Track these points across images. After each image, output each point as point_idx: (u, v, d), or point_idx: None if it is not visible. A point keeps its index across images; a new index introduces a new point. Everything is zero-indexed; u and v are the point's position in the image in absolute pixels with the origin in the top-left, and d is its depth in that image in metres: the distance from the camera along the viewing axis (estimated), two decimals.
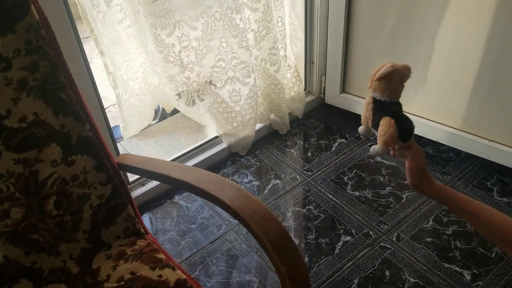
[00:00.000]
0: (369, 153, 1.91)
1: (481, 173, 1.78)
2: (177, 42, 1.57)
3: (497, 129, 1.70)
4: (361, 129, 0.92)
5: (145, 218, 1.70)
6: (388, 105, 0.86)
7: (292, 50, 2.05)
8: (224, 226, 1.65)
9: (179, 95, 1.75)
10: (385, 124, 0.83)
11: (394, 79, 0.86)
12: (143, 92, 1.85)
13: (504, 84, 1.60)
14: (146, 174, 1.05)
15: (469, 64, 1.63)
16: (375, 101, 0.87)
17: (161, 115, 2.22)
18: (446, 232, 1.58)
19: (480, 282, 1.42)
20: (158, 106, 2.16)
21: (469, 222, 0.85)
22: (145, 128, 2.06)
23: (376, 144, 0.88)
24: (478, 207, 0.82)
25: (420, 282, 1.42)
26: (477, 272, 1.45)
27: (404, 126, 0.84)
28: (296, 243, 1.58)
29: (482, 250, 1.51)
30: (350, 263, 1.50)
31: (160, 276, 0.96)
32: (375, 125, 0.86)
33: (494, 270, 1.45)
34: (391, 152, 0.89)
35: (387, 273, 1.46)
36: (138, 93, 1.83)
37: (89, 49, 2.68)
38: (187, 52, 1.62)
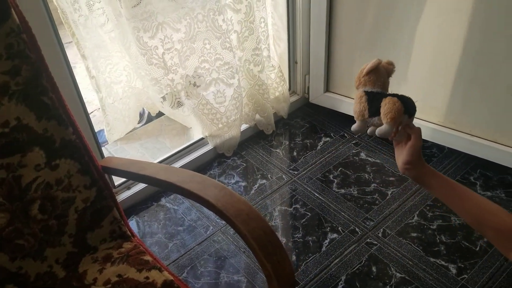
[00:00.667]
0: (354, 151, 1.93)
1: (464, 168, 1.81)
2: (160, 45, 1.57)
3: (478, 124, 1.73)
4: (355, 125, 0.90)
5: (132, 222, 1.69)
6: (382, 94, 0.86)
7: (276, 50, 2.06)
8: (211, 227, 1.65)
9: (163, 97, 1.75)
10: (389, 102, 0.83)
11: (382, 73, 0.88)
12: (127, 96, 1.85)
13: (483, 79, 1.63)
14: (131, 176, 1.05)
15: (449, 61, 1.66)
16: (367, 93, 0.87)
17: (147, 118, 2.22)
18: (431, 226, 1.60)
19: (465, 275, 1.44)
20: (143, 109, 2.15)
21: (456, 208, 0.83)
22: (130, 131, 2.05)
23: (371, 128, 0.88)
24: (467, 192, 0.82)
25: (407, 277, 1.44)
26: (462, 265, 1.47)
27: (406, 101, 0.84)
28: (284, 242, 1.59)
29: (467, 244, 1.53)
30: (337, 260, 1.51)
31: (147, 278, 0.96)
32: (374, 113, 0.86)
33: (479, 263, 1.47)
34: (392, 135, 0.86)
35: (374, 269, 1.48)
36: (122, 96, 1.83)
37: (73, 53, 2.66)
38: (171, 54, 1.62)
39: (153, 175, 0.95)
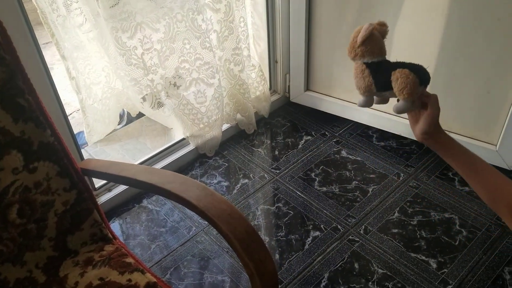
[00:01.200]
0: (335, 149, 1.95)
1: (443, 164, 1.84)
2: (139, 45, 1.56)
3: (456, 121, 1.76)
4: (362, 101, 0.84)
5: (114, 224, 1.68)
6: (385, 63, 0.81)
7: (256, 49, 2.06)
8: (194, 228, 1.64)
9: (143, 98, 1.74)
10: (401, 76, 0.76)
11: (377, 38, 0.82)
12: (107, 97, 1.83)
13: (461, 76, 1.66)
14: (111, 178, 1.04)
15: (428, 59, 1.68)
16: (368, 65, 0.81)
17: (127, 119, 2.20)
18: (412, 222, 1.62)
19: (445, 270, 1.46)
20: (123, 110, 2.13)
21: (472, 181, 0.79)
22: (110, 133, 2.03)
23: (378, 99, 0.83)
24: (485, 166, 0.78)
25: (388, 273, 1.46)
26: (442, 260, 1.49)
27: (418, 70, 0.78)
28: (267, 240, 1.60)
29: (447, 239, 1.56)
30: (320, 257, 1.52)
31: (129, 280, 0.96)
32: (383, 87, 0.80)
33: (459, 257, 1.50)
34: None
35: (356, 265, 1.49)
36: (102, 97, 1.81)
37: (51, 54, 2.62)
38: (150, 55, 1.61)
39: (133, 177, 0.95)
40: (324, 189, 1.77)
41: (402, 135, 1.90)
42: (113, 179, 1.07)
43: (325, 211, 1.68)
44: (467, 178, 0.80)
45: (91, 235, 1.06)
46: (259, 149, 1.99)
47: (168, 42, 1.62)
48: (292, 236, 1.60)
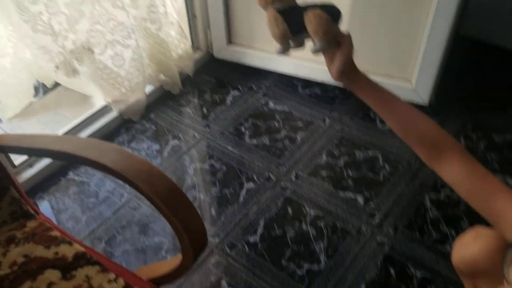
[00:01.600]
0: (262, 102, 1.96)
1: (364, 106, 1.89)
2: (44, 9, 1.46)
3: (371, 63, 1.81)
4: (279, 48, 0.84)
5: (43, 199, 1.61)
6: (296, 6, 0.82)
7: (173, 6, 1.99)
8: (126, 195, 1.62)
9: (57, 66, 1.64)
10: (312, 16, 0.77)
11: None
12: (18, 69, 1.72)
13: (373, 16, 1.70)
14: (25, 152, 0.99)
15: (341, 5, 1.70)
16: (281, 12, 0.81)
17: (42, 90, 2.07)
18: (339, 164, 1.69)
19: (372, 204, 1.55)
20: (37, 81, 2.01)
21: (385, 115, 0.83)
22: (26, 107, 1.92)
23: (295, 44, 0.83)
24: (397, 102, 0.82)
25: (320, 213, 1.52)
26: (368, 195, 1.58)
27: (330, 9, 0.79)
28: (202, 198, 1.61)
29: (371, 175, 1.64)
30: (255, 207, 1.56)
31: (56, 253, 0.93)
32: (297, 30, 0.81)
33: (383, 191, 1.59)
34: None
35: (290, 210, 1.54)
36: (12, 69, 1.70)
37: None
38: (58, 19, 1.50)
39: (46, 147, 0.90)
40: (255, 141, 1.79)
41: (324, 82, 1.94)
42: (26, 152, 1.02)
43: (257, 162, 1.71)
44: (380, 113, 0.84)
45: (11, 213, 1.01)
46: (187, 109, 1.96)
47: (76, 4, 1.52)
48: (227, 191, 1.62)
